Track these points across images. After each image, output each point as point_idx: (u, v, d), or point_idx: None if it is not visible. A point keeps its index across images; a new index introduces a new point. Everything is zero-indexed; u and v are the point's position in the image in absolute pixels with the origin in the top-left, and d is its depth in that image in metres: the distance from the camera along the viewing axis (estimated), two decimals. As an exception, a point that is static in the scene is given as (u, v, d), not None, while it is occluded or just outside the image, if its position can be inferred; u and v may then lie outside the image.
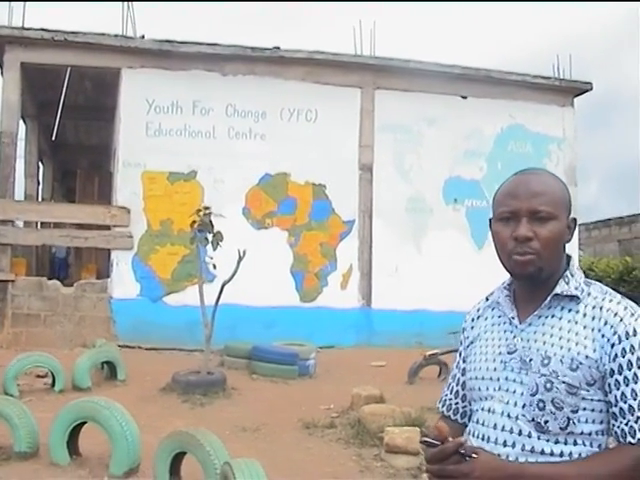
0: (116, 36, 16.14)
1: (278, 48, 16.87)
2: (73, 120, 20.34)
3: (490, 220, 2.13)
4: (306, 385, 11.93)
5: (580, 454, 1.91)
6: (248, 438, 8.36)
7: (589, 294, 2.02)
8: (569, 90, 19.06)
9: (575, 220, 2.08)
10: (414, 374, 12.11)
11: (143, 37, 16.25)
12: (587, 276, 2.11)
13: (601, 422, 1.94)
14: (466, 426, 2.24)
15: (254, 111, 16.91)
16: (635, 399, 1.86)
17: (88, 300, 15.29)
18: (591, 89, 19.19)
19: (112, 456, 6.73)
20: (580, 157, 19.29)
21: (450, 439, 1.81)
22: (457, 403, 2.33)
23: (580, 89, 19.16)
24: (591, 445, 1.92)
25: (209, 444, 6.02)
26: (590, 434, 1.92)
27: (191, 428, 6.55)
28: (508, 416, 1.97)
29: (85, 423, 7.05)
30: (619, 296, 2.02)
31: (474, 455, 1.79)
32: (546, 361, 1.94)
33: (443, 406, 2.37)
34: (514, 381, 1.99)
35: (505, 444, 1.95)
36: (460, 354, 2.35)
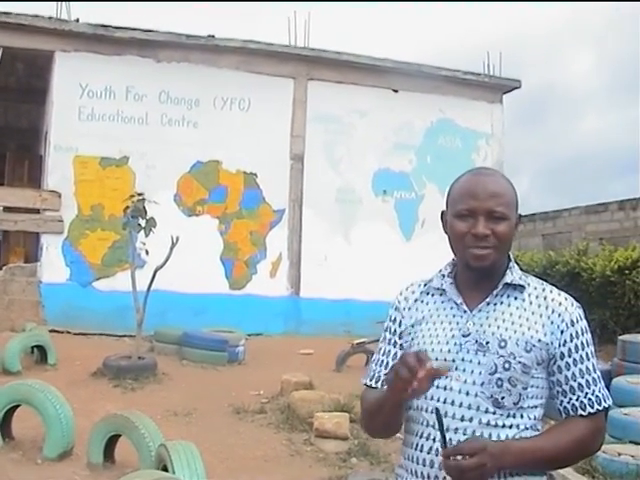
0: (50, 18, 15.91)
1: (213, 36, 16.90)
2: (3, 102, 20.06)
3: (442, 212, 2.35)
4: (235, 371, 12.06)
5: (525, 425, 2.16)
6: (180, 422, 8.50)
7: (529, 284, 2.28)
8: (498, 87, 19.51)
9: (520, 218, 2.31)
10: (342, 362, 12.33)
11: (77, 20, 16.06)
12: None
13: (541, 397, 2.22)
14: None
15: (187, 98, 16.93)
16: (583, 377, 2.19)
17: (17, 284, 15.13)
18: (519, 87, 19.69)
19: (46, 439, 6.79)
20: (509, 153, 19.75)
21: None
22: None
23: (509, 86, 19.63)
24: (534, 418, 2.19)
25: (144, 427, 6.15)
26: (533, 407, 2.19)
27: (125, 411, 6.66)
28: (467, 393, 2.16)
29: (19, 406, 7.09)
30: (554, 287, 2.30)
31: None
32: (503, 344, 2.16)
33: (372, 380, 2.42)
34: (471, 362, 2.18)
35: (463, 419, 2.14)
36: (394, 332, 2.42)
